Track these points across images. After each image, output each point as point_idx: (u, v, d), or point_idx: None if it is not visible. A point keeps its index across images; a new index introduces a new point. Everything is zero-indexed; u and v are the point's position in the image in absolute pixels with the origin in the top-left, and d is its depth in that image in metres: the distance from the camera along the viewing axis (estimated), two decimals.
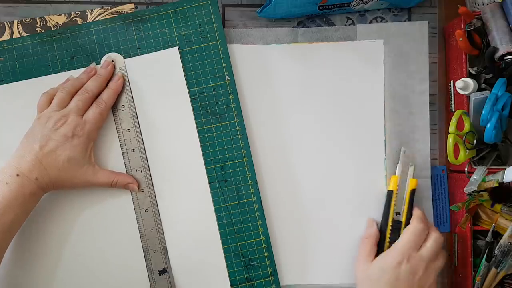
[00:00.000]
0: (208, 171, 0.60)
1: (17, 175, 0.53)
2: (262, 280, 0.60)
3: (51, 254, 0.60)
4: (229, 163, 0.60)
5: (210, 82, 0.61)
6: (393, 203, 0.60)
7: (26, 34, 0.62)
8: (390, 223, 0.60)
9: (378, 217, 0.62)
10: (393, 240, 0.59)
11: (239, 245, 0.60)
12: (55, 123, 0.55)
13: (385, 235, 0.60)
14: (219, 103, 0.61)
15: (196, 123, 0.61)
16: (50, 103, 0.58)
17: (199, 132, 0.61)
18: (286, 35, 0.64)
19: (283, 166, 0.62)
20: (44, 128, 0.55)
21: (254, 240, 0.60)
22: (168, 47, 0.62)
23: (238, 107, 0.61)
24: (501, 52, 0.54)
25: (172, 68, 0.61)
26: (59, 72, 0.61)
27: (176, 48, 0.61)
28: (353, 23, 0.65)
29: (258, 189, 0.60)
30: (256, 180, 0.60)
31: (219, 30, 0.62)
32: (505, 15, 0.55)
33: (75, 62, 0.62)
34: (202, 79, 0.61)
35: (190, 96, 0.61)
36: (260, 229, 0.60)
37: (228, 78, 0.61)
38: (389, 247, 0.58)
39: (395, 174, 0.61)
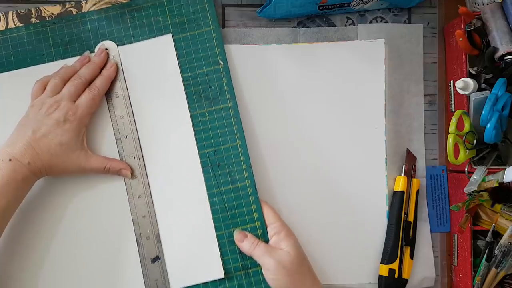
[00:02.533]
0: (201, 156, 0.60)
1: (10, 159, 0.53)
2: (258, 268, 0.58)
3: (43, 241, 0.59)
4: (222, 147, 0.60)
5: (204, 67, 0.61)
6: (404, 204, 0.60)
7: (21, 25, 0.63)
8: (402, 224, 0.60)
9: (380, 217, 0.62)
10: (407, 241, 0.60)
11: (233, 231, 0.59)
12: (48, 109, 0.56)
13: (398, 236, 0.60)
14: (212, 87, 0.61)
15: (190, 108, 0.61)
16: (44, 90, 0.58)
17: (193, 117, 0.61)
18: (286, 35, 0.64)
19: (283, 166, 0.62)
20: (37, 114, 0.56)
21: (248, 225, 0.59)
22: (162, 35, 0.62)
23: (231, 91, 0.61)
24: (501, 52, 0.54)
25: (165, 55, 0.61)
26: (53, 61, 0.62)
27: (170, 35, 0.62)
28: (353, 23, 0.65)
29: (252, 173, 0.60)
30: (250, 164, 0.60)
31: (212, 16, 0.62)
32: (505, 15, 0.55)
33: (70, 51, 0.62)
34: (195, 64, 0.62)
35: (183, 81, 0.61)
36: (254, 214, 0.59)
37: (222, 62, 0.61)
38: (401, 248, 0.60)
39: (400, 175, 0.62)
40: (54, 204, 0.60)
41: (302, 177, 0.62)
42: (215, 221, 0.59)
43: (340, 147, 0.63)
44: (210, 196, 0.60)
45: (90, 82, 0.59)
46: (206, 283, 0.58)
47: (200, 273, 0.58)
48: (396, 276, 0.60)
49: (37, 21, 0.63)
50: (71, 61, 0.61)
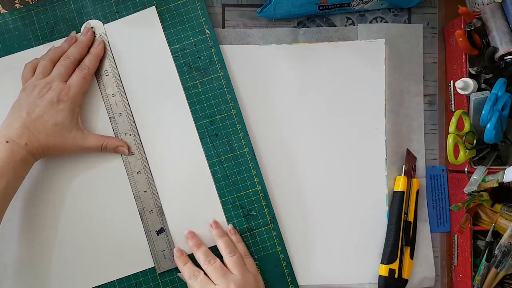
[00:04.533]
0: (198, 127, 0.61)
1: (7, 141, 0.54)
2: (263, 228, 0.60)
3: (47, 224, 0.60)
4: (218, 117, 0.61)
5: (191, 38, 0.62)
6: (404, 204, 0.60)
7: (5, 11, 0.63)
8: (402, 224, 0.60)
9: (380, 217, 0.62)
10: (407, 241, 0.60)
11: (236, 197, 0.61)
12: (40, 91, 0.56)
13: (398, 236, 0.60)
14: (202, 58, 0.62)
15: (181, 80, 0.62)
16: (34, 73, 0.58)
17: (185, 89, 0.62)
18: (286, 35, 0.64)
19: (283, 166, 0.62)
20: (30, 96, 0.56)
21: (250, 190, 0.61)
22: (145, 8, 0.62)
23: (221, 60, 0.62)
24: (501, 52, 0.54)
25: (151, 28, 0.62)
26: (41, 45, 0.62)
27: (153, 7, 0.62)
28: (353, 23, 0.65)
29: (250, 140, 0.61)
30: (247, 131, 0.61)
31: None
32: (505, 15, 0.55)
33: (56, 33, 0.63)
34: (182, 35, 0.62)
35: (172, 54, 0.62)
36: (255, 178, 0.61)
37: (208, 31, 0.62)
38: (401, 248, 0.60)
39: (400, 175, 0.62)
40: (56, 186, 0.61)
41: (302, 177, 0.62)
42: (218, 188, 0.61)
43: (340, 147, 0.63)
44: (211, 165, 0.61)
45: (79, 62, 0.60)
46: (214, 246, 0.59)
47: (207, 239, 0.60)
48: (396, 276, 0.60)
49: (21, 6, 0.63)
50: (58, 43, 0.62)
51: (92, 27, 0.62)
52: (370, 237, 0.62)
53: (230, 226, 0.60)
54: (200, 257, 0.58)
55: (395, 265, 0.60)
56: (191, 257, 0.59)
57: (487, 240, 0.58)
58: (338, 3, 0.61)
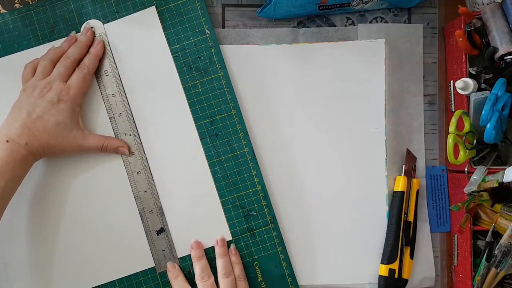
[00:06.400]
0: (198, 127, 0.61)
1: (7, 141, 0.54)
2: (263, 228, 0.60)
3: (48, 224, 0.60)
4: (218, 117, 0.61)
5: (191, 38, 0.62)
6: (404, 204, 0.60)
7: (5, 11, 0.63)
8: (402, 224, 0.60)
9: (380, 217, 0.62)
10: (407, 241, 0.60)
11: (236, 197, 0.61)
12: (41, 91, 0.56)
13: (398, 236, 0.60)
14: (202, 58, 0.62)
15: (181, 80, 0.62)
16: (34, 73, 0.58)
17: (185, 89, 0.62)
18: (286, 35, 0.64)
19: (283, 167, 0.62)
20: (30, 97, 0.56)
21: (250, 190, 0.61)
22: (145, 8, 0.62)
23: (221, 60, 0.62)
24: (501, 52, 0.54)
25: (151, 28, 0.62)
26: (41, 45, 0.62)
27: (153, 7, 0.62)
28: (353, 23, 0.65)
29: (250, 140, 0.61)
30: (247, 131, 0.61)
31: None
32: (505, 15, 0.55)
33: (56, 33, 0.63)
34: (182, 35, 0.62)
35: (172, 54, 0.62)
36: (255, 178, 0.61)
37: (208, 32, 0.62)
38: (401, 248, 0.60)
39: (400, 175, 0.62)
40: (56, 187, 0.61)
41: (302, 177, 0.62)
42: (218, 189, 0.61)
43: (340, 147, 0.63)
44: (211, 165, 0.61)
45: (79, 62, 0.60)
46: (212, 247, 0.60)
47: (207, 238, 0.60)
48: (396, 276, 0.60)
49: (21, 6, 0.63)
50: (58, 43, 0.62)
51: (92, 27, 0.62)
52: (370, 237, 0.62)
53: (232, 246, 0.60)
54: (197, 270, 0.58)
55: (395, 265, 0.60)
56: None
57: (487, 240, 0.58)
58: (338, 3, 0.61)
